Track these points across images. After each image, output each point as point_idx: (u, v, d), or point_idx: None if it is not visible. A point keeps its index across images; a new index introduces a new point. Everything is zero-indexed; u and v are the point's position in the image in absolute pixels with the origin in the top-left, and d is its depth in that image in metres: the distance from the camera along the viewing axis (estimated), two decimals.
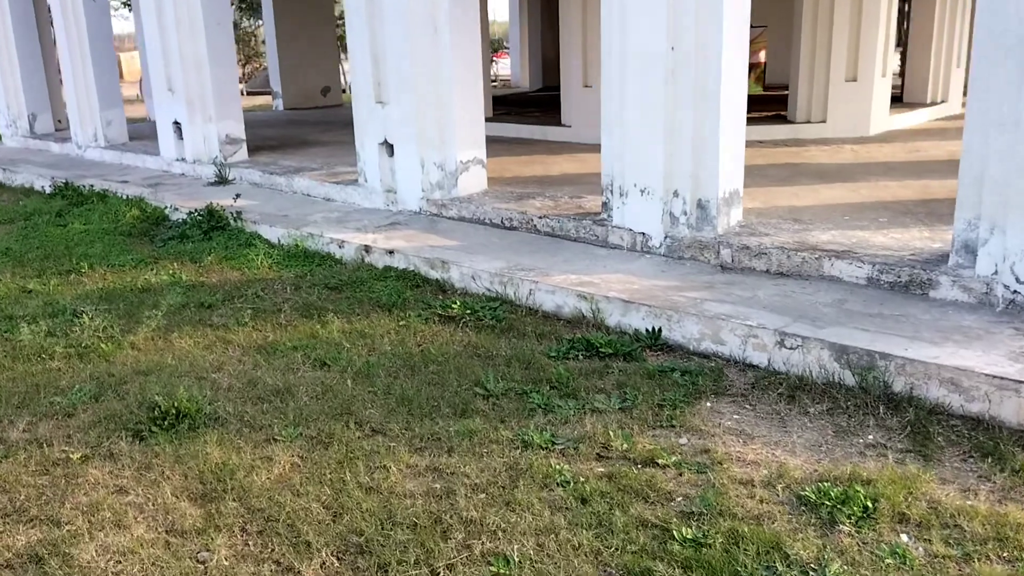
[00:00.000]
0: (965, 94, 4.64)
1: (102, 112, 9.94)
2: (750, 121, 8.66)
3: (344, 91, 15.71)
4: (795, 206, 5.50)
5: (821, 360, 3.58)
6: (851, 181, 6.22)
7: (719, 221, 4.83)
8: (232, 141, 8.38)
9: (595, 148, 8.42)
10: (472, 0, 6.07)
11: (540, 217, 5.61)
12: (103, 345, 4.34)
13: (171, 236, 6.49)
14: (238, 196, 6.85)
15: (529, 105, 10.86)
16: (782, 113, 9.74)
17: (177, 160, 8.67)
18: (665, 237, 4.94)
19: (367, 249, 5.59)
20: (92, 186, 8.18)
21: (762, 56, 12.18)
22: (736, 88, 4.72)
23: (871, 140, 8.30)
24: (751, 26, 11.80)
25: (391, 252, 5.44)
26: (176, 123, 8.50)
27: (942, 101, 10.15)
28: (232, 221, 6.56)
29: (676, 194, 4.88)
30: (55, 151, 10.91)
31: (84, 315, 4.73)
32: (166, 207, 7.19)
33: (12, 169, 9.68)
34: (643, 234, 5.04)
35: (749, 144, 8.36)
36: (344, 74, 16.94)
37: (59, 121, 12.24)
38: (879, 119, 8.72)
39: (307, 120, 12.68)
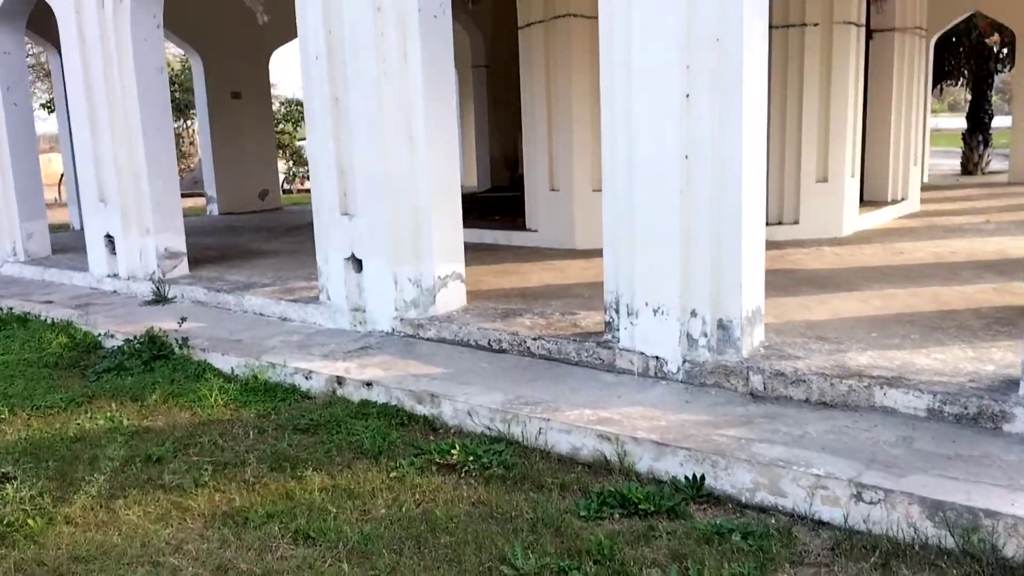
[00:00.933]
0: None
1: (23, 224, 9.10)
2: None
3: (290, 191, 15.15)
4: (811, 320, 5.08)
5: (910, 517, 3.05)
6: (856, 290, 5.87)
7: (743, 342, 4.35)
8: (172, 255, 7.66)
9: (567, 255, 8.08)
10: (449, 108, 5.64)
11: (534, 339, 5.05)
12: (31, 521, 3.52)
13: (106, 368, 5.69)
14: (184, 320, 6.11)
15: (486, 208, 10.44)
16: None
17: (109, 276, 7.88)
18: (684, 361, 4.43)
19: (340, 381, 4.92)
20: (11, 309, 7.30)
21: None
22: (756, 198, 4.33)
23: (847, 241, 8.10)
24: None
25: (368, 384, 4.78)
26: (108, 236, 7.75)
27: (903, 199, 10.14)
28: (177, 348, 5.81)
29: (694, 313, 4.40)
30: None
31: (5, 481, 3.90)
32: (99, 333, 6.38)
33: None
34: (657, 358, 4.51)
35: None
36: (282, 176, 16.43)
37: None
38: (850, 219, 8.57)
39: (247, 226, 12.01)
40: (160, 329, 6.02)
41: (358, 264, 5.92)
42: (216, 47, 13.58)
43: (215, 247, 9.38)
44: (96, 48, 7.29)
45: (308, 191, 21.54)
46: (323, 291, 6.25)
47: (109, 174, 7.51)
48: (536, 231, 8.66)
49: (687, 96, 4.22)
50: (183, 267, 7.77)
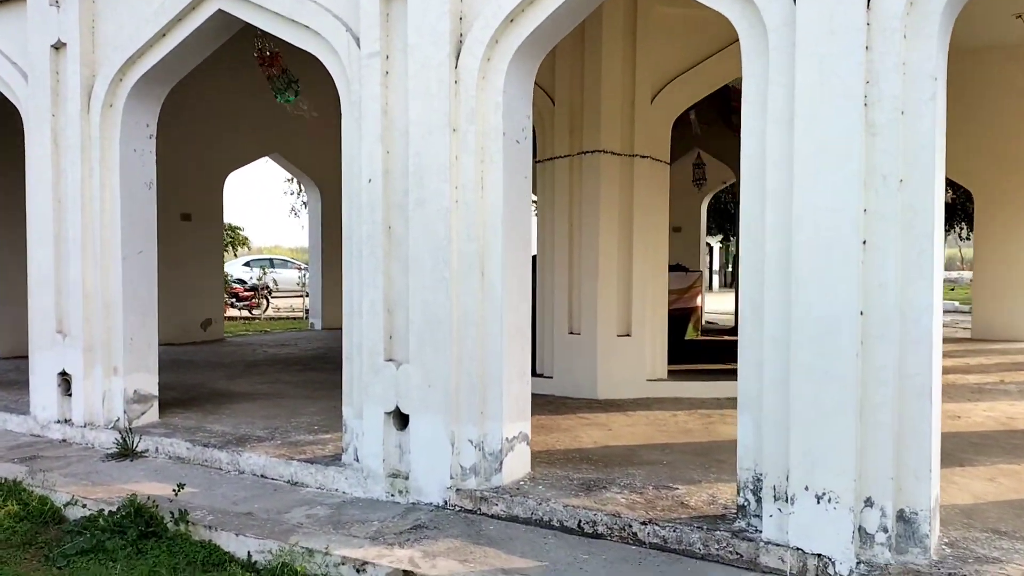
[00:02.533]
0: None
1: None
2: (731, 374, 7.74)
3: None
4: (960, 505, 4.39)
5: None
6: (969, 464, 5.26)
7: (931, 540, 3.60)
8: (141, 399, 6.46)
9: (589, 406, 7.20)
10: (527, 243, 4.92)
11: (643, 523, 4.16)
12: None
13: (80, 549, 4.44)
14: (181, 486, 4.92)
15: None
16: None
17: (58, 422, 6.57)
18: (857, 563, 3.62)
19: None
20: None
21: (698, 301, 11.79)
22: (938, 355, 3.69)
23: None
24: (686, 270, 11.39)
25: None
26: (63, 374, 6.50)
27: None
28: (172, 524, 4.62)
29: (869, 502, 3.63)
30: None
31: None
32: (60, 499, 5.11)
33: None
34: (820, 556, 3.69)
35: None
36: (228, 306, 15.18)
37: None
38: None
39: (195, 360, 10.75)
40: (146, 496, 4.83)
41: (402, 420, 4.96)
42: (170, 163, 12.61)
43: (175, 386, 8.14)
44: (75, 158, 6.31)
45: (234, 319, 20.23)
46: (348, 450, 5.22)
47: (74, 302, 6.36)
48: (551, 377, 7.85)
49: (863, 243, 3.62)
50: (153, 413, 6.56)
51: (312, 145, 14.78)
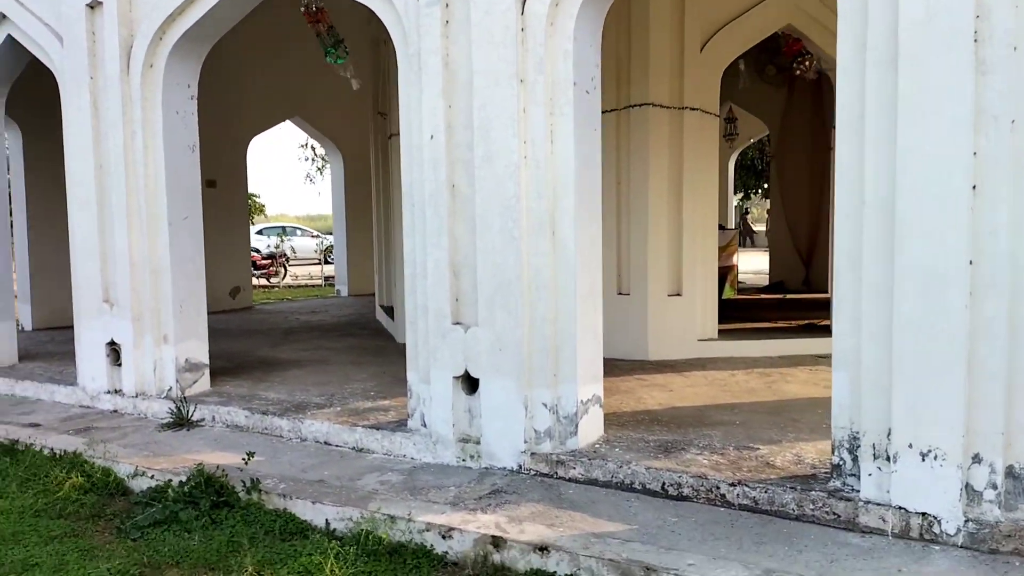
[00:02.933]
0: None
1: None
2: (781, 332, 7.55)
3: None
4: None
5: None
6: None
7: None
8: (192, 367, 6.37)
9: (642, 367, 7.07)
10: (597, 198, 4.75)
11: (731, 484, 4.04)
12: None
13: (153, 520, 4.37)
14: (251, 455, 4.83)
15: None
16: (815, 322, 8.88)
17: (108, 393, 6.49)
18: (966, 521, 3.50)
19: (496, 543, 3.77)
20: None
21: (735, 260, 11.61)
22: None
23: None
24: (722, 228, 11.17)
25: (543, 549, 3.66)
26: (112, 344, 6.41)
27: None
28: (244, 493, 4.54)
29: (977, 458, 3.50)
30: None
31: None
32: (122, 470, 5.04)
33: None
34: (924, 515, 3.57)
35: (797, 359, 7.38)
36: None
37: None
38: None
39: (231, 328, 10.65)
40: (215, 466, 4.74)
41: (471, 385, 4.84)
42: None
43: (219, 355, 8.03)
44: (115, 121, 6.14)
45: (253, 287, 20.15)
46: (414, 416, 5.11)
47: (120, 271, 6.24)
48: None
49: (973, 188, 3.44)
50: (204, 382, 6.47)
51: (335, 109, 14.55)
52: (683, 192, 7.43)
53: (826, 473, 4.07)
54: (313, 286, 21.58)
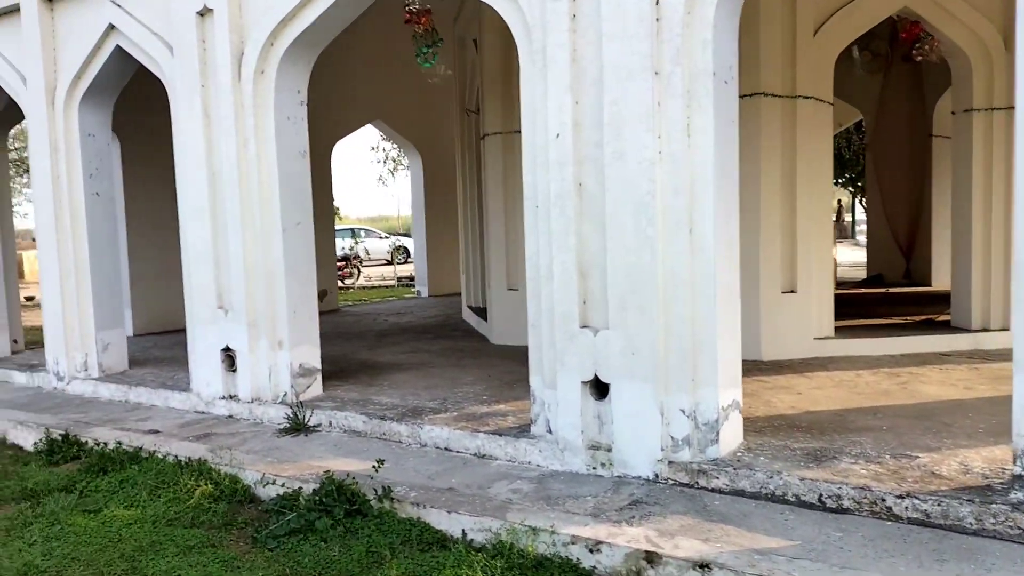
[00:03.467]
0: None
1: (99, 333, 7.75)
2: (899, 329, 7.09)
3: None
4: None
5: None
6: None
7: None
8: (306, 372, 6.36)
9: (760, 367, 6.69)
10: (735, 195, 4.54)
11: (899, 496, 3.79)
12: None
13: (286, 530, 4.32)
14: (381, 463, 4.75)
15: None
16: (933, 318, 8.47)
17: (223, 398, 6.52)
18: None
19: (650, 558, 3.60)
20: (106, 443, 5.90)
21: (833, 253, 11.18)
22: None
23: None
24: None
25: (703, 566, 3.47)
26: (227, 350, 6.43)
27: None
28: (375, 501, 4.46)
29: None
30: (20, 382, 8.49)
31: None
32: (249, 477, 5.02)
33: None
34: None
35: (921, 358, 7.01)
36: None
37: (14, 342, 9.90)
38: None
39: (325, 331, 10.41)
40: (345, 473, 4.68)
41: (600, 390, 4.67)
42: None
43: (321, 358, 8.05)
44: (228, 129, 6.15)
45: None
46: (538, 422, 4.97)
47: (235, 277, 6.26)
48: None
49: None
50: (317, 386, 6.46)
51: (415, 110, 14.57)
52: (797, 185, 7.13)
53: (1003, 484, 3.79)
54: (386, 287, 21.72)
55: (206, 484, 4.96)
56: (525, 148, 4.84)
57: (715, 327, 4.34)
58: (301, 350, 6.28)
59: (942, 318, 8.30)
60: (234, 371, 6.43)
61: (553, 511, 4.15)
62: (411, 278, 22.40)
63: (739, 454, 4.47)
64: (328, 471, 4.77)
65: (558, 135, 4.61)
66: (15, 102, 8.25)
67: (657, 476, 4.48)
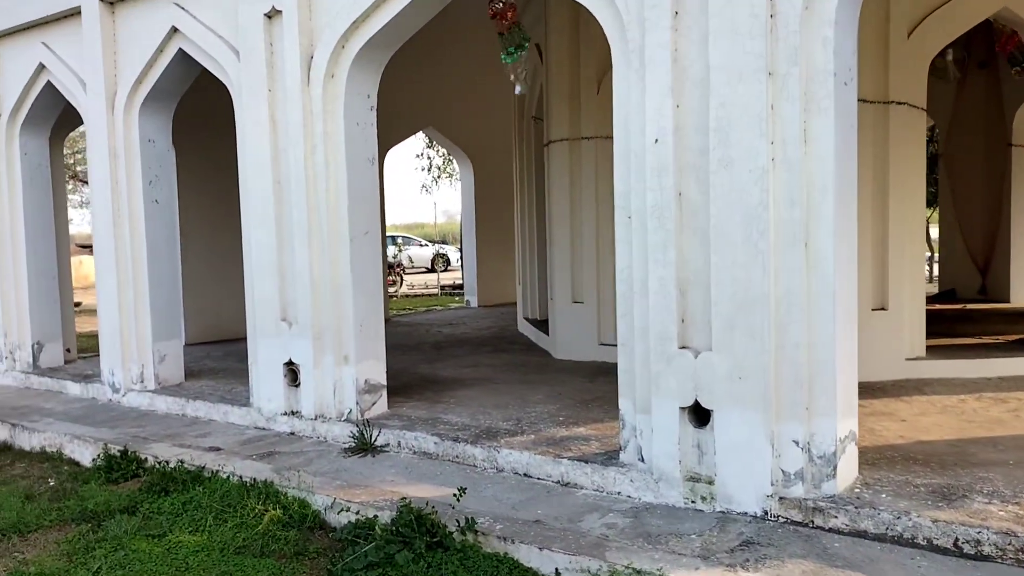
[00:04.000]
0: None
1: (156, 344, 7.56)
2: (994, 349, 6.60)
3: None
4: None
5: None
6: None
7: None
8: (372, 389, 6.08)
9: (866, 391, 6.32)
10: (854, 207, 4.16)
11: None
12: None
13: (362, 564, 4.02)
14: (463, 491, 4.43)
15: None
16: None
17: (284, 414, 6.26)
18: None
19: None
20: (167, 461, 5.65)
21: None
22: None
23: None
24: None
25: None
26: (289, 364, 6.18)
27: None
28: (458, 534, 4.14)
29: None
30: (74, 393, 8.33)
31: None
32: (318, 501, 4.74)
33: (26, 423, 7.07)
34: None
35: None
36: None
37: (67, 351, 9.77)
38: None
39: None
40: (424, 501, 4.38)
41: (700, 416, 4.31)
42: None
43: None
44: (295, 135, 5.92)
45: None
46: (627, 449, 4.63)
47: (300, 288, 6.01)
48: None
49: None
50: (382, 403, 6.18)
51: (468, 117, 14.33)
52: (889, 194, 6.71)
53: None
54: (429, 295, 21.46)
55: (274, 508, 4.69)
56: (617, 155, 4.52)
57: (833, 351, 3.96)
58: (367, 365, 6.01)
59: None
60: (297, 386, 6.17)
61: (656, 551, 3.80)
62: (454, 286, 22.16)
63: (857, 490, 4.08)
64: (404, 498, 4.47)
65: (656, 141, 4.27)
66: (71, 107, 8.13)
67: (767, 513, 4.10)
